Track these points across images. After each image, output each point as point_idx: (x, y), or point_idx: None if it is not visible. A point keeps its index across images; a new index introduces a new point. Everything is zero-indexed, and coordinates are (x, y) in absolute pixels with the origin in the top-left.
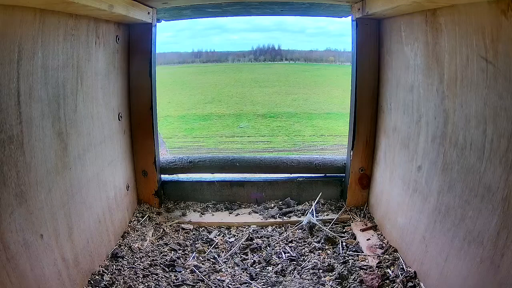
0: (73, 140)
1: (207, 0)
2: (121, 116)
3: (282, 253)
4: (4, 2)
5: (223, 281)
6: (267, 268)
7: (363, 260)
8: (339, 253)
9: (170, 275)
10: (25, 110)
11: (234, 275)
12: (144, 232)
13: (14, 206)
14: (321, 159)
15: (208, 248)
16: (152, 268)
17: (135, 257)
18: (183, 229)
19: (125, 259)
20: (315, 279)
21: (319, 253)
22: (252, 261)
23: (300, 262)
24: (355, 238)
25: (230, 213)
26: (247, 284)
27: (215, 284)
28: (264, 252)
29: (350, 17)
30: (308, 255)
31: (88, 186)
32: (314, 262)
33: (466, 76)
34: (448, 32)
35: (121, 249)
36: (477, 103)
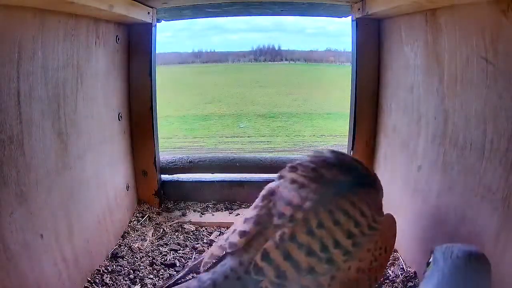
0: (73, 140)
1: (207, 0)
2: (121, 116)
3: None
4: (4, 2)
5: None
6: None
7: None
8: None
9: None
10: (25, 110)
11: None
12: (144, 232)
13: (14, 206)
14: None
15: (208, 248)
16: (152, 268)
17: (135, 257)
18: (183, 229)
19: (125, 259)
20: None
21: None
22: None
23: None
24: None
25: (230, 213)
26: None
27: None
28: None
29: (350, 17)
30: None
31: (88, 186)
32: None
33: (466, 76)
34: (448, 32)
35: (121, 249)
36: (477, 103)
